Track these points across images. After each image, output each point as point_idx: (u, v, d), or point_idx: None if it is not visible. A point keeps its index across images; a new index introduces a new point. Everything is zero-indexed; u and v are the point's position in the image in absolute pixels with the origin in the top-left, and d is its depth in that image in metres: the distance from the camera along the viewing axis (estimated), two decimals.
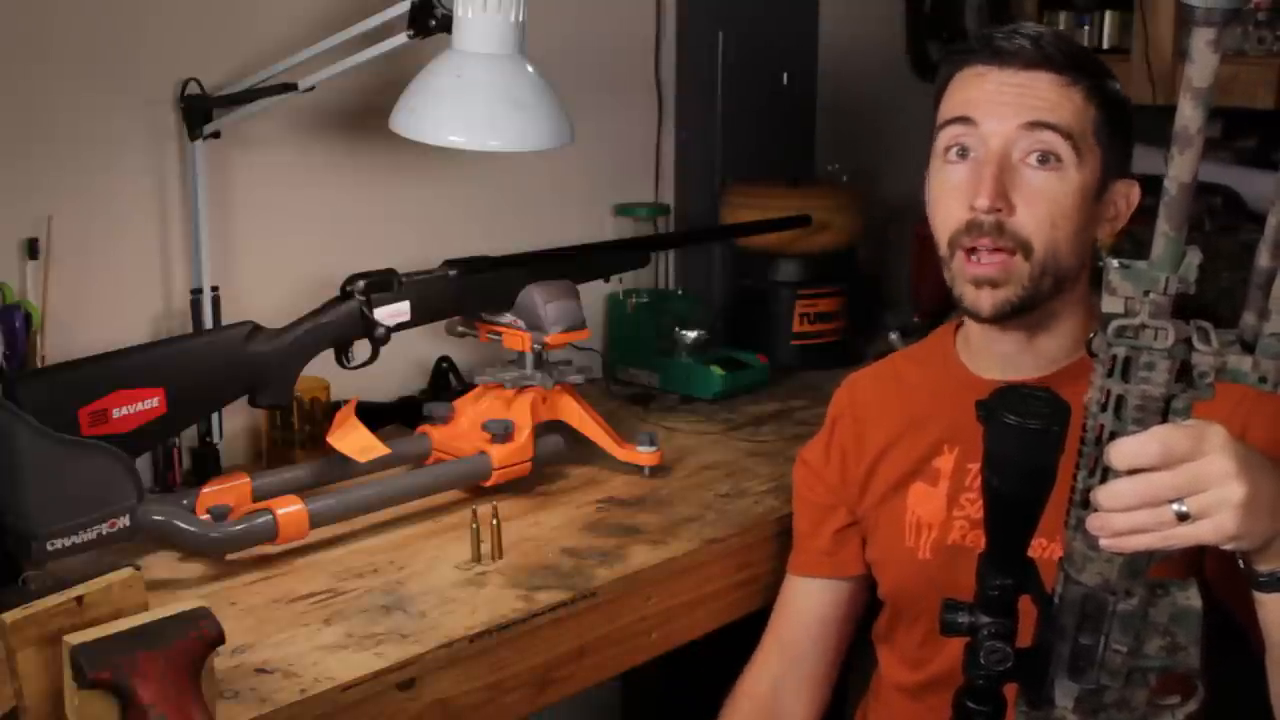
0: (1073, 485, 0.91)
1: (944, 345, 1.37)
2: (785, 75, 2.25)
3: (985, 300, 1.22)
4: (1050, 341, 1.27)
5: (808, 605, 1.43)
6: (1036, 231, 1.19)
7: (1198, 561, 1.11)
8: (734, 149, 2.22)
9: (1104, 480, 0.88)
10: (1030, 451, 0.88)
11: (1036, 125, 1.19)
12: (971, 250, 1.21)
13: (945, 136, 1.24)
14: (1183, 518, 0.86)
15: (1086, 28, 2.31)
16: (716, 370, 1.97)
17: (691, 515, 1.52)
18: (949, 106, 1.25)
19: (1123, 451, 0.86)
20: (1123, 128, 1.25)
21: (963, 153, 1.23)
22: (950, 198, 1.23)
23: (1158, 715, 0.94)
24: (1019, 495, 0.90)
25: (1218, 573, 1.09)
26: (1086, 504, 0.89)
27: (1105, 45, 2.28)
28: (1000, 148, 1.20)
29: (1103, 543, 0.88)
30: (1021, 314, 1.22)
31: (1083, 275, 1.26)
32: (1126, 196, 1.26)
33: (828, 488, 1.42)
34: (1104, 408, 0.87)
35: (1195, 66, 0.80)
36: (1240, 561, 0.95)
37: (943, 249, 1.24)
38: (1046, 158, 1.20)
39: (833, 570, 1.42)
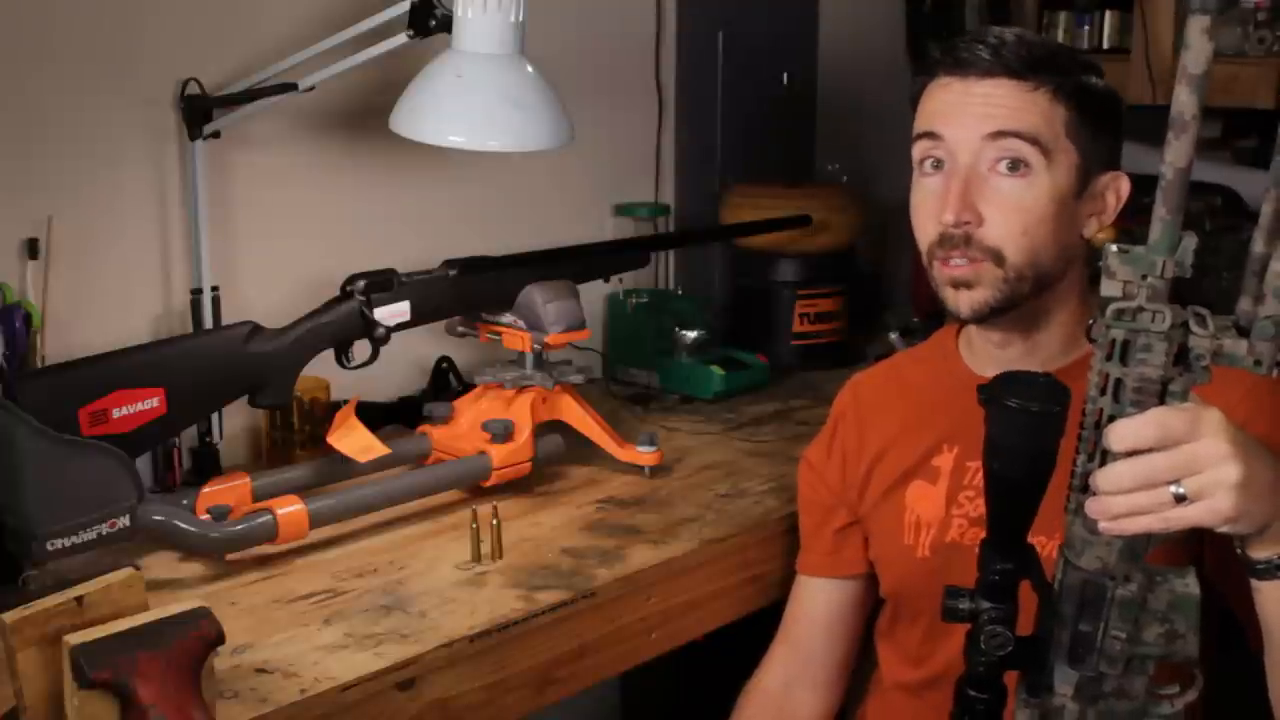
0: (1072, 470, 0.92)
1: (946, 345, 1.38)
2: (785, 75, 2.25)
3: (963, 301, 1.22)
4: (1048, 340, 1.27)
5: (815, 604, 1.44)
6: (1007, 240, 1.20)
7: (1196, 550, 1.11)
8: (734, 149, 2.22)
9: (1103, 464, 0.89)
10: (1031, 435, 0.89)
11: (1001, 134, 1.19)
12: (947, 258, 1.22)
13: (917, 150, 1.25)
14: (1180, 499, 0.87)
15: (1086, 28, 2.30)
16: (716, 370, 1.97)
17: (691, 515, 1.52)
18: (919, 120, 1.25)
19: (1120, 433, 0.87)
20: (1104, 121, 1.24)
21: (935, 165, 1.23)
22: (924, 211, 1.24)
23: (1157, 703, 0.95)
24: (1019, 479, 0.90)
25: (1218, 567, 1.10)
26: (1086, 488, 0.90)
27: (1105, 45, 2.28)
28: (968, 160, 1.20)
29: (1101, 526, 0.89)
30: (1003, 314, 1.23)
31: (1073, 273, 1.26)
32: (1115, 190, 1.25)
33: (829, 488, 1.42)
34: (1103, 391, 0.88)
35: (1190, 53, 0.82)
36: (1237, 548, 0.96)
37: (924, 259, 1.26)
38: (1015, 165, 1.19)
39: (835, 570, 1.42)
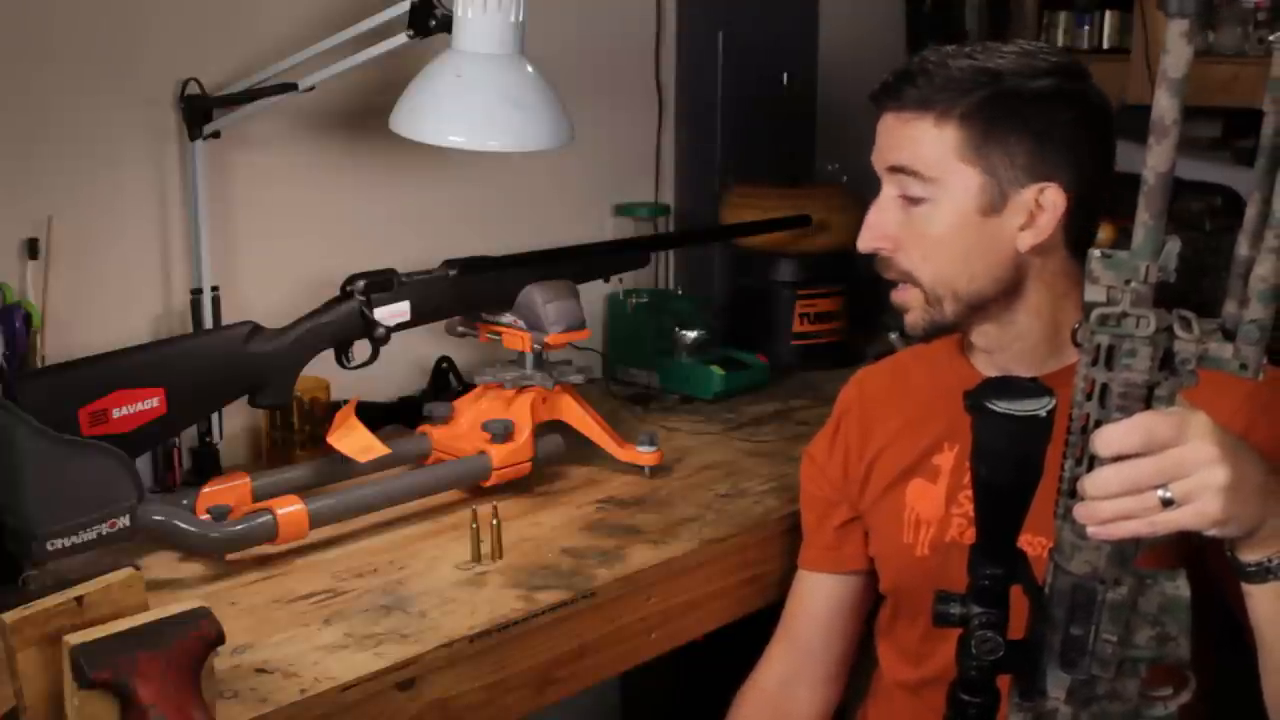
0: (1061, 475, 0.92)
1: (950, 344, 1.38)
2: (785, 75, 2.25)
3: (906, 321, 1.29)
4: (1030, 349, 1.27)
5: (816, 600, 1.44)
6: (916, 266, 1.25)
7: (1188, 552, 1.11)
8: (734, 149, 2.22)
9: (1091, 469, 0.89)
10: (1018, 440, 0.88)
11: (893, 170, 1.25)
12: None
13: None
14: (1167, 503, 0.87)
15: (1086, 28, 2.31)
16: (716, 370, 1.97)
17: (691, 515, 1.52)
18: None
19: (1106, 438, 0.87)
20: (1026, 132, 1.19)
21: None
22: None
23: (1150, 706, 0.95)
24: (1008, 484, 0.90)
25: (1219, 569, 1.09)
26: (1074, 493, 0.90)
27: (1105, 45, 2.28)
28: (886, 190, 1.26)
29: (1090, 531, 0.89)
30: (945, 333, 1.28)
31: (1031, 284, 1.24)
32: (1045, 202, 1.20)
33: (831, 483, 1.43)
34: (1089, 396, 0.88)
35: (1170, 58, 0.82)
36: (1227, 552, 0.96)
37: None
38: (906, 196, 1.24)
39: (836, 565, 1.43)
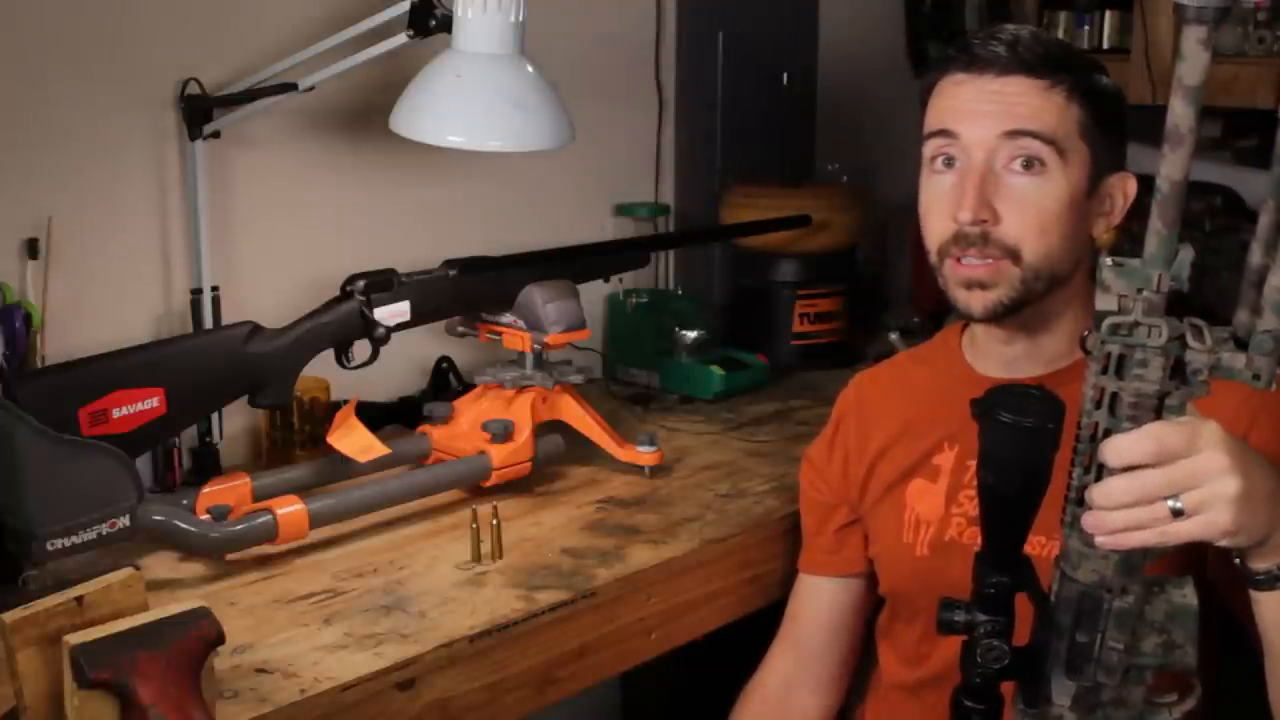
0: (1069, 483, 0.91)
1: (949, 344, 1.38)
2: (785, 75, 2.25)
3: (976, 302, 1.22)
4: (1053, 341, 1.27)
5: (817, 603, 1.44)
6: (1024, 239, 1.20)
7: (1195, 560, 1.11)
8: (734, 149, 2.22)
9: (1099, 478, 0.88)
10: (1025, 449, 0.88)
11: (1017, 133, 1.19)
12: (961, 256, 1.21)
13: (930, 148, 1.24)
14: (1177, 514, 0.87)
15: (1086, 28, 2.30)
16: (716, 370, 1.97)
17: (691, 515, 1.52)
18: (931, 118, 1.25)
19: (1117, 448, 0.86)
20: (1113, 122, 1.24)
21: (948, 162, 1.23)
22: (937, 209, 1.24)
23: (1155, 713, 0.95)
24: (1014, 493, 0.90)
25: (1220, 574, 1.09)
26: (1082, 501, 0.89)
27: (1105, 45, 2.28)
28: (983, 158, 1.20)
29: (1099, 540, 0.89)
30: (1014, 314, 1.23)
31: (1080, 274, 1.25)
32: (1122, 190, 1.25)
33: (830, 486, 1.43)
34: (1098, 405, 0.88)
35: (1186, 65, 0.80)
36: (1236, 560, 0.95)
37: (933, 257, 1.25)
38: (1030, 163, 1.19)
39: (836, 568, 1.43)
